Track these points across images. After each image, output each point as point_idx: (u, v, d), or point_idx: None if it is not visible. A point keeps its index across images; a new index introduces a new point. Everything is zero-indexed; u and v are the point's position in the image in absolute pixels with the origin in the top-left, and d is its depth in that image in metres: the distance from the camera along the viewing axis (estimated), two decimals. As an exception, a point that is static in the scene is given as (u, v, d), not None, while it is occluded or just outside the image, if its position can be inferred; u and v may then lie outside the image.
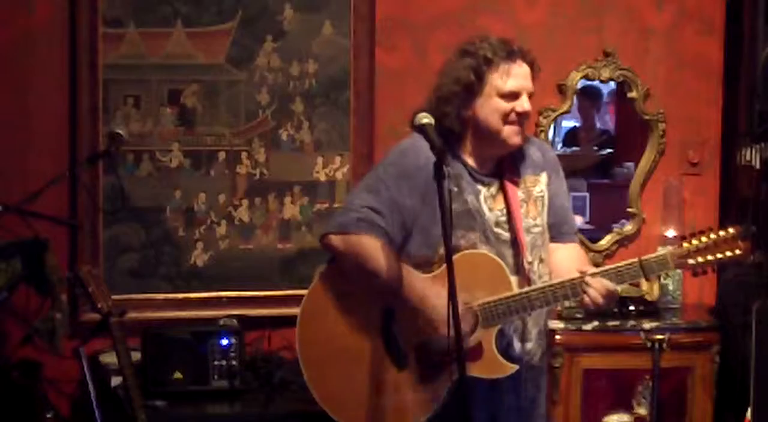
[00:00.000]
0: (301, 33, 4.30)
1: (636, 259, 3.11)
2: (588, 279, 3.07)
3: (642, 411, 4.30)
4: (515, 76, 3.13)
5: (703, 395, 4.32)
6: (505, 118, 3.12)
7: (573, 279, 3.09)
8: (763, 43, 4.27)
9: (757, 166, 4.31)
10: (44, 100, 4.13)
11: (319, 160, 4.36)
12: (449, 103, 3.14)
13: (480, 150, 3.18)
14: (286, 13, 4.29)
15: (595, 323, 4.28)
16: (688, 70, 4.68)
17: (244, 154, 4.30)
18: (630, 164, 4.91)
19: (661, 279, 4.54)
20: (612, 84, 4.74)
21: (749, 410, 4.10)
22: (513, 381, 3.16)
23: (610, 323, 4.30)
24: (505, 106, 3.12)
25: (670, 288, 4.58)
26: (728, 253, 3.07)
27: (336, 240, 3.14)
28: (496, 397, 3.17)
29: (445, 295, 2.81)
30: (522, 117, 3.14)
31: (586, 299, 3.08)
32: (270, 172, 4.32)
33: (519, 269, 3.14)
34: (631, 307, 4.37)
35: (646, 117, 4.64)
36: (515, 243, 3.15)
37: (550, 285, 3.10)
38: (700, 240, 3.08)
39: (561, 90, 4.56)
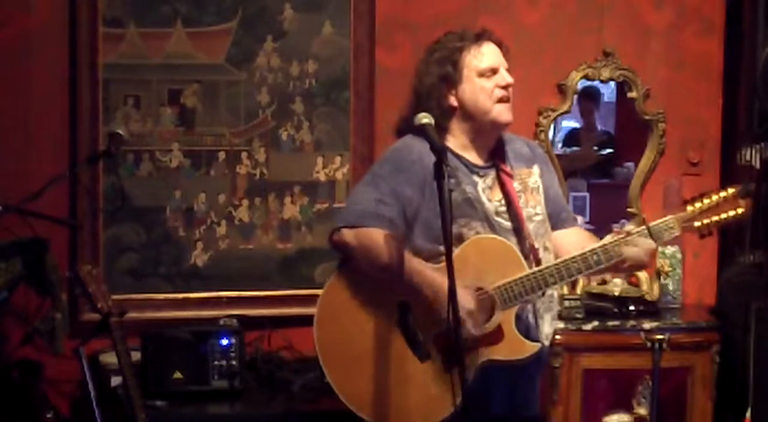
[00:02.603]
0: (301, 33, 4.31)
1: (644, 226, 3.13)
2: (630, 238, 3.09)
3: (642, 411, 4.31)
4: (488, 53, 3.22)
5: (703, 395, 4.32)
6: (492, 96, 3.19)
7: (594, 249, 3.11)
8: (763, 43, 4.28)
9: (757, 166, 4.31)
10: (44, 100, 4.13)
11: (319, 160, 4.36)
12: (430, 98, 3.20)
13: (471, 137, 3.22)
14: (286, 13, 4.29)
15: (595, 323, 4.28)
16: (688, 70, 4.68)
17: (244, 154, 4.30)
18: (630, 164, 4.91)
19: (662, 279, 4.54)
20: (612, 84, 4.74)
21: (749, 410, 4.10)
22: (535, 365, 3.19)
23: (610, 323, 4.30)
24: (487, 83, 3.20)
25: (670, 288, 4.59)
26: (731, 213, 3.12)
27: (348, 235, 3.14)
28: (519, 381, 3.19)
29: (459, 284, 2.84)
30: (507, 89, 3.20)
31: (632, 254, 3.07)
32: (270, 172, 4.32)
33: (526, 255, 3.16)
34: (631, 307, 4.38)
35: (646, 117, 4.64)
36: (518, 231, 3.18)
37: (564, 261, 3.12)
38: (702, 202, 3.13)
39: (561, 90, 4.57)
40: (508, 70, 3.24)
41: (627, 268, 3.17)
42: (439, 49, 3.25)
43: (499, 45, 3.26)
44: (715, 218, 3.12)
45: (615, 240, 3.12)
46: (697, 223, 3.13)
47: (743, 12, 4.55)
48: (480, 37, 3.24)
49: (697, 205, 3.13)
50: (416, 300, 3.11)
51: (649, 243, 3.11)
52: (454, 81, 3.20)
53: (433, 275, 3.07)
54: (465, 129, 3.21)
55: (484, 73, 3.20)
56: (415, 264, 3.09)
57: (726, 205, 3.12)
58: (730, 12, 4.66)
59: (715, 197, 3.12)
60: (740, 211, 3.12)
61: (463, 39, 3.23)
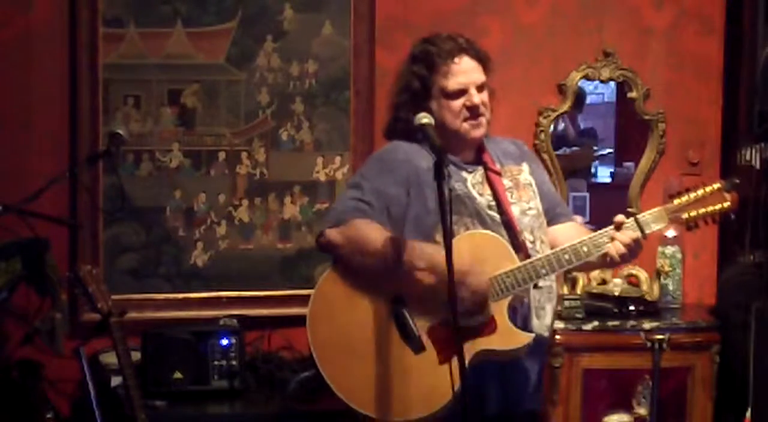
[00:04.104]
0: (301, 33, 4.31)
1: (631, 218, 3.16)
2: (612, 232, 3.12)
3: (642, 411, 4.30)
4: (456, 73, 3.20)
5: (703, 395, 4.32)
6: (459, 116, 3.19)
7: (583, 240, 3.14)
8: (763, 43, 4.27)
9: (757, 166, 4.31)
10: (44, 100, 4.13)
11: (319, 160, 4.36)
12: (403, 109, 3.23)
13: (448, 146, 3.19)
14: (286, 13, 4.29)
15: (595, 323, 4.28)
16: (688, 70, 4.68)
17: (244, 154, 4.30)
18: (630, 164, 4.91)
19: (662, 279, 4.54)
20: (612, 84, 4.74)
21: (749, 410, 4.10)
22: (531, 356, 3.19)
23: (610, 323, 4.30)
24: (455, 104, 3.19)
25: (670, 288, 4.58)
26: (718, 206, 3.17)
27: (331, 233, 3.15)
28: (513, 373, 3.19)
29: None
30: (475, 110, 3.19)
31: (611, 250, 3.11)
32: (270, 172, 4.32)
33: (517, 248, 3.16)
34: (631, 307, 4.37)
35: (646, 117, 4.64)
36: (508, 224, 3.19)
37: (554, 252, 3.14)
38: (689, 196, 3.18)
39: (561, 90, 4.56)
40: (483, 86, 3.21)
41: (618, 260, 3.16)
42: (416, 60, 3.26)
43: (478, 57, 3.23)
44: (701, 210, 3.17)
45: (603, 231, 3.15)
46: (684, 215, 3.17)
47: (743, 12, 4.55)
48: (453, 53, 3.20)
49: (683, 198, 3.18)
50: (410, 287, 3.11)
51: (636, 234, 3.13)
52: (423, 98, 3.22)
53: (426, 249, 3.06)
54: (442, 138, 3.15)
55: (451, 95, 3.19)
56: (406, 242, 3.08)
57: (712, 198, 3.17)
58: (730, 12, 4.66)
59: (700, 191, 3.17)
60: (726, 204, 3.17)
61: (437, 53, 3.21)
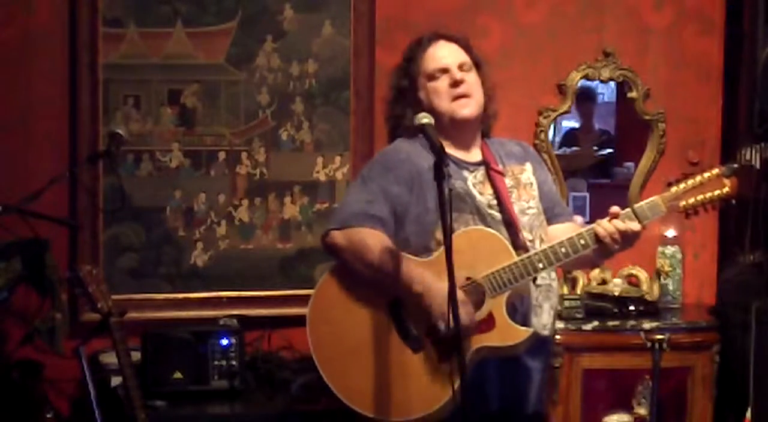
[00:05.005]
0: (301, 33, 4.31)
1: (628, 208, 3.15)
2: (599, 221, 3.13)
3: (642, 411, 4.31)
4: (435, 56, 3.28)
5: (703, 395, 4.32)
6: (446, 96, 3.23)
7: (580, 233, 3.14)
8: (763, 43, 4.28)
9: (757, 166, 4.31)
10: (44, 100, 4.13)
11: (319, 160, 4.36)
12: (396, 106, 3.31)
13: (447, 138, 3.22)
14: (286, 13, 4.29)
15: (595, 323, 4.28)
16: (688, 70, 4.68)
17: (244, 154, 4.30)
18: (630, 164, 4.91)
19: (662, 279, 4.54)
20: (612, 84, 4.74)
21: (749, 410, 4.10)
22: (533, 356, 3.19)
23: (610, 323, 4.30)
24: (439, 84, 3.25)
25: (670, 288, 4.59)
26: (717, 192, 3.15)
27: (337, 236, 3.17)
28: (514, 370, 3.19)
29: (445, 284, 2.86)
30: (460, 87, 3.23)
31: (603, 234, 3.10)
32: (270, 172, 4.32)
33: (518, 246, 3.17)
34: (631, 307, 4.38)
35: (646, 117, 4.64)
36: (509, 223, 3.20)
37: (551, 246, 3.14)
38: (686, 183, 3.16)
39: (561, 90, 4.57)
40: (467, 66, 3.27)
41: (613, 246, 3.15)
42: (403, 60, 3.34)
43: (455, 41, 3.31)
44: (700, 197, 3.15)
45: (599, 222, 3.14)
46: (682, 203, 3.15)
47: (743, 12, 4.55)
48: (430, 41, 3.30)
49: (682, 185, 3.16)
50: (407, 297, 3.13)
51: (634, 225, 3.13)
52: (412, 91, 3.28)
53: (421, 275, 3.09)
54: (437, 127, 3.18)
55: (434, 76, 3.25)
56: (403, 264, 3.10)
57: (711, 184, 3.15)
58: (730, 12, 4.66)
59: (699, 178, 3.15)
60: (726, 190, 3.14)
61: (415, 48, 3.31)
